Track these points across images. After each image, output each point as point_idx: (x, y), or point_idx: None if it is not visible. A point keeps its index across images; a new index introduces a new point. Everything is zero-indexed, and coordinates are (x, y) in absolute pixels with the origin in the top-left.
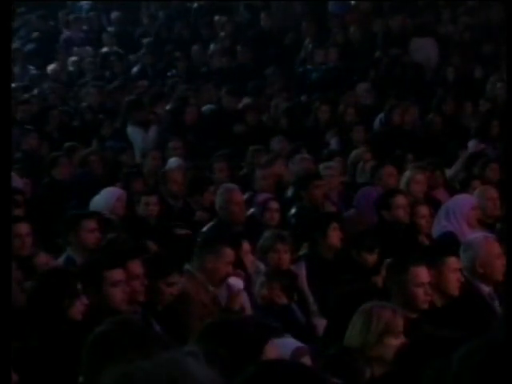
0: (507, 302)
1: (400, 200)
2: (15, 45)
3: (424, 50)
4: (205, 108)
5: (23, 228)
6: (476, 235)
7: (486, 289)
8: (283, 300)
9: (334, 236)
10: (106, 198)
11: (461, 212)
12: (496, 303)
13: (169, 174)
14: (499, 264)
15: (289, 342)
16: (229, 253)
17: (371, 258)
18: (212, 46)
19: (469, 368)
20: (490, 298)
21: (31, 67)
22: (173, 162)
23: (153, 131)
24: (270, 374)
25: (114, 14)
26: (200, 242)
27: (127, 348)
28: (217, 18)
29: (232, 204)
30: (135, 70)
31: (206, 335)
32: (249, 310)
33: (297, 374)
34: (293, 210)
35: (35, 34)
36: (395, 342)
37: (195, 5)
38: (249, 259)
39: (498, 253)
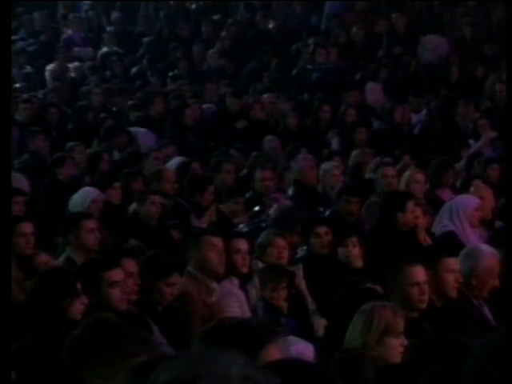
0: (509, 303)
1: (412, 204)
2: (15, 45)
3: (438, 49)
4: (206, 108)
5: (27, 227)
6: (484, 246)
7: (475, 301)
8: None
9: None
10: (82, 198)
11: (464, 212)
12: (486, 311)
13: (163, 172)
14: (491, 283)
15: (293, 342)
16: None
17: (354, 250)
18: (214, 46)
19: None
20: (480, 306)
21: (30, 67)
22: (173, 161)
23: None
24: (281, 372)
25: (114, 14)
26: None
27: (100, 349)
28: (217, 17)
29: None
30: (134, 70)
31: (207, 337)
32: (247, 311)
33: (307, 372)
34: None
35: (35, 35)
36: (396, 342)
37: (195, 5)
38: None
39: (496, 271)
